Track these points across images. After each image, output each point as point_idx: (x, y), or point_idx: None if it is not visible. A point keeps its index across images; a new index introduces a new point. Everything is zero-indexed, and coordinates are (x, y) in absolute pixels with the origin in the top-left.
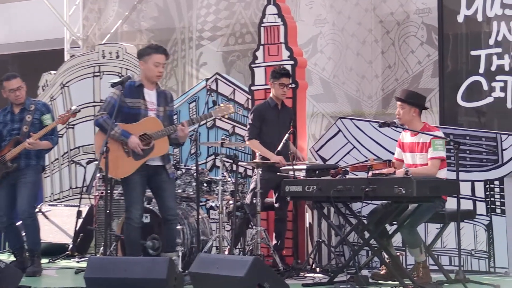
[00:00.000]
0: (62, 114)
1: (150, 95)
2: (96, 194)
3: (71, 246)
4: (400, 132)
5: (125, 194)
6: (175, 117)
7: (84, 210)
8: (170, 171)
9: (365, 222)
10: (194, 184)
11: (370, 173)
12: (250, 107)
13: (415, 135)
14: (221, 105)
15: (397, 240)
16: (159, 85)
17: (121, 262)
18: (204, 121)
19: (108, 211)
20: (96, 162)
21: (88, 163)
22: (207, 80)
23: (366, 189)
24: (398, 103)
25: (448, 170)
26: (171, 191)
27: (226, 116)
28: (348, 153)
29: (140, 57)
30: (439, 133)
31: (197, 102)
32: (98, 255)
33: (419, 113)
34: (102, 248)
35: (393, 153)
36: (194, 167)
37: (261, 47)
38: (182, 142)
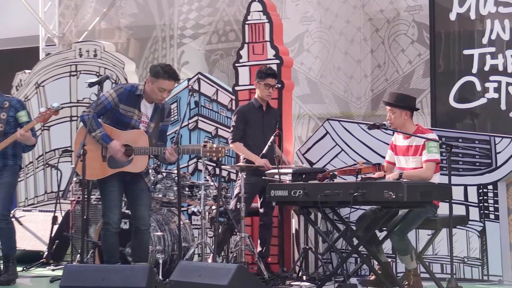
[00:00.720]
0: (43, 112)
1: (147, 108)
2: (73, 198)
3: (46, 253)
4: (391, 134)
5: (102, 198)
6: None
7: (60, 215)
8: (149, 184)
9: (354, 228)
10: (175, 188)
11: (359, 177)
12: (234, 108)
13: (408, 138)
14: (214, 146)
15: (387, 247)
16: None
17: (98, 270)
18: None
19: (85, 217)
20: (73, 166)
21: (63, 152)
22: (189, 80)
23: (355, 194)
24: (388, 107)
25: (440, 174)
26: (147, 201)
27: (214, 159)
28: (336, 156)
29: (150, 72)
30: (433, 136)
31: (179, 103)
32: (74, 263)
33: (410, 115)
34: (78, 255)
35: (383, 156)
36: (175, 171)
37: (246, 45)
38: (169, 162)
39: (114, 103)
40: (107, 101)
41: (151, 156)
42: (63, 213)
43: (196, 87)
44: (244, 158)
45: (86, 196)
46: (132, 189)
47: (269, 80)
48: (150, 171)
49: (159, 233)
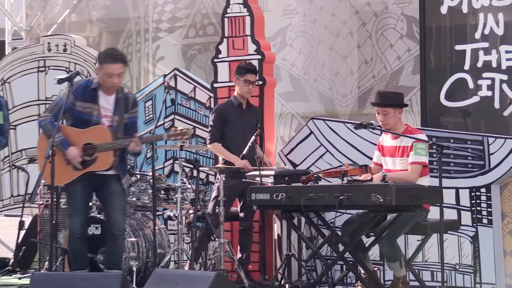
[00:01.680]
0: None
1: (108, 101)
2: (41, 202)
3: (12, 260)
4: (378, 134)
5: (67, 203)
6: None
7: (27, 220)
8: (126, 184)
9: (339, 233)
10: (150, 191)
11: (345, 180)
12: (212, 106)
13: (396, 138)
14: (179, 128)
15: (374, 253)
16: (122, 90)
17: (68, 279)
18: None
19: (53, 222)
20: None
21: (29, 162)
22: (164, 76)
23: (341, 197)
24: (379, 109)
25: (430, 176)
26: (120, 204)
27: (181, 142)
28: (320, 157)
29: (97, 61)
30: (423, 136)
31: (154, 100)
32: (42, 271)
33: (401, 113)
34: (47, 262)
35: (370, 158)
36: (150, 173)
37: (225, 40)
38: (135, 156)
39: (70, 102)
40: (61, 100)
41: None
42: (31, 218)
43: (172, 84)
44: (223, 160)
45: (55, 199)
46: (103, 192)
47: (248, 76)
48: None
49: (132, 239)
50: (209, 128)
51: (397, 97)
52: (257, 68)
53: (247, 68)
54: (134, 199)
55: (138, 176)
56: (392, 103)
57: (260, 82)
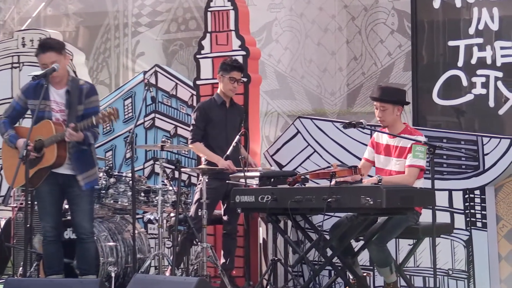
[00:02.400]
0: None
1: (59, 94)
2: (14, 205)
3: None
4: (368, 134)
5: (37, 206)
6: None
7: (0, 223)
8: (84, 182)
9: (327, 237)
10: (129, 193)
11: (333, 181)
12: (194, 104)
13: (393, 136)
14: (107, 109)
15: (364, 258)
16: (75, 81)
17: (43, 285)
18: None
19: (28, 225)
20: None
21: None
22: (145, 73)
23: (329, 200)
24: (378, 103)
25: (423, 178)
26: (84, 206)
27: (107, 123)
28: (308, 158)
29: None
30: (423, 139)
31: (133, 98)
32: (16, 277)
33: (401, 111)
34: (21, 268)
35: (359, 158)
36: (130, 174)
37: (208, 35)
38: (82, 143)
39: (22, 102)
40: (14, 102)
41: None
42: (4, 221)
43: (152, 81)
44: (206, 160)
45: (29, 202)
46: (68, 193)
47: (234, 73)
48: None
49: (111, 243)
50: (191, 127)
51: (398, 93)
52: (243, 65)
53: (233, 65)
54: (112, 201)
55: (117, 178)
56: (391, 99)
57: (245, 80)
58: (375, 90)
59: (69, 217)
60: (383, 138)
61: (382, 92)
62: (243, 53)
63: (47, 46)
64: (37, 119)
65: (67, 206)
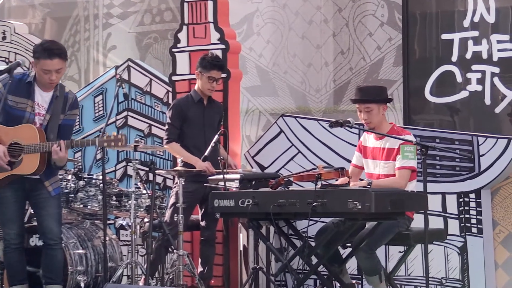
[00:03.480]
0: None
1: (43, 97)
2: None
3: None
4: (356, 133)
5: None
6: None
7: None
8: (52, 187)
9: (313, 244)
10: (100, 197)
11: (318, 184)
12: (170, 101)
13: (380, 138)
14: (113, 134)
15: (351, 266)
16: (62, 88)
17: None
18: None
19: None
20: None
21: None
22: (116, 68)
23: (314, 204)
24: (362, 106)
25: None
26: (53, 210)
27: (114, 148)
28: (291, 159)
29: (33, 54)
30: (411, 138)
31: (105, 95)
32: None
33: (386, 109)
34: None
35: (347, 159)
36: (100, 177)
37: (184, 27)
38: (59, 165)
39: (0, 95)
40: None
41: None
42: None
43: (125, 76)
44: (183, 162)
45: None
46: (34, 197)
47: (214, 72)
48: (58, 171)
49: (80, 251)
50: (166, 127)
51: (380, 91)
52: (224, 64)
53: (213, 63)
54: (82, 206)
55: (87, 180)
56: (375, 98)
57: (224, 75)
58: (355, 92)
59: (34, 223)
60: (369, 141)
61: (364, 93)
62: (222, 46)
63: (56, 52)
64: (15, 118)
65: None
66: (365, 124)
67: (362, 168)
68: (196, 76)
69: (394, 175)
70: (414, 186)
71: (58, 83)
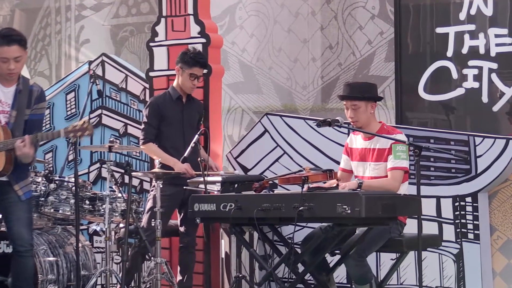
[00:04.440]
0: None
1: (5, 93)
2: None
3: None
4: (345, 133)
5: None
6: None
7: None
8: (22, 192)
9: (299, 251)
10: (72, 201)
11: (305, 187)
12: (147, 99)
13: (369, 138)
14: (79, 123)
15: (340, 274)
16: (26, 81)
17: None
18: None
19: None
20: None
21: None
22: (90, 63)
23: (300, 208)
24: (349, 102)
25: (408, 183)
26: (22, 214)
27: (82, 138)
28: (276, 160)
29: None
30: (402, 137)
31: (77, 92)
32: None
33: (375, 108)
34: None
35: (335, 161)
36: (73, 179)
37: (163, 20)
38: (25, 162)
39: None
40: None
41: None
42: None
43: (99, 72)
44: (160, 163)
45: None
46: (3, 202)
47: (196, 69)
48: (30, 174)
49: (51, 259)
50: (143, 126)
51: (369, 88)
52: (207, 60)
53: (196, 59)
54: (53, 210)
55: (58, 183)
56: (363, 95)
57: (205, 71)
58: (343, 88)
59: (3, 229)
60: (357, 142)
61: (352, 89)
62: (203, 40)
63: (13, 38)
64: None
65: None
66: (351, 123)
67: (351, 171)
68: (176, 72)
69: (385, 177)
70: (406, 188)
71: (21, 76)
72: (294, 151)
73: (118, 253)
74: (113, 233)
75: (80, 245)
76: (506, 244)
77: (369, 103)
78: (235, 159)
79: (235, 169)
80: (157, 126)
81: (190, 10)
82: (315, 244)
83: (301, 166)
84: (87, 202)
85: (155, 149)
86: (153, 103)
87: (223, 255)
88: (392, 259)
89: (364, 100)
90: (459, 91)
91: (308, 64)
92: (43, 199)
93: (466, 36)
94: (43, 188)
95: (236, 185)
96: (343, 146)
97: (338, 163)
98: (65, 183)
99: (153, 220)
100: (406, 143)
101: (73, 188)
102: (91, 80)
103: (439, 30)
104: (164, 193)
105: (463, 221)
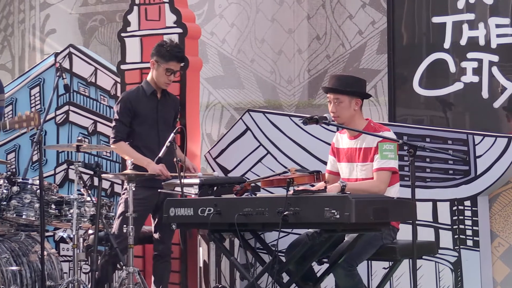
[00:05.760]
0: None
1: None
2: None
3: None
4: (334, 131)
5: None
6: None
7: None
8: None
9: (283, 259)
10: (37, 205)
11: (290, 190)
12: (118, 94)
13: (355, 137)
14: (26, 113)
15: (328, 284)
16: None
17: None
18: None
19: None
20: None
21: None
22: (56, 55)
23: (285, 213)
24: (332, 95)
25: (400, 185)
26: None
27: (30, 129)
28: (259, 161)
29: None
30: (390, 134)
31: (42, 86)
32: None
33: (361, 105)
34: None
35: (323, 162)
36: (37, 181)
37: (135, 8)
38: None
39: None
40: None
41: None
42: None
43: (66, 65)
44: (133, 164)
45: None
46: None
47: (173, 64)
48: None
49: (14, 268)
50: (114, 123)
51: (355, 83)
52: (184, 53)
53: (173, 53)
54: (15, 215)
55: (22, 186)
56: (346, 89)
57: (182, 64)
58: (328, 80)
59: None
60: (343, 142)
61: (336, 82)
62: (179, 30)
63: None
64: None
65: None
66: (332, 118)
67: (339, 174)
68: (150, 66)
69: (371, 179)
70: (396, 191)
71: None
72: (278, 151)
73: (87, 262)
74: (81, 240)
75: (45, 253)
76: (508, 251)
77: (353, 99)
78: (214, 160)
79: (214, 171)
80: (129, 124)
81: None
82: (301, 252)
83: (286, 167)
84: (53, 206)
85: (127, 149)
86: (125, 98)
87: (201, 264)
88: (384, 268)
89: (347, 95)
90: (457, 86)
91: (294, 56)
92: (5, 203)
93: (465, 26)
94: (5, 191)
95: (215, 188)
96: (330, 147)
97: (326, 163)
98: (29, 186)
99: (125, 226)
100: (395, 141)
101: (38, 191)
102: (58, 74)
103: (436, 19)
104: (136, 197)
105: (461, 226)
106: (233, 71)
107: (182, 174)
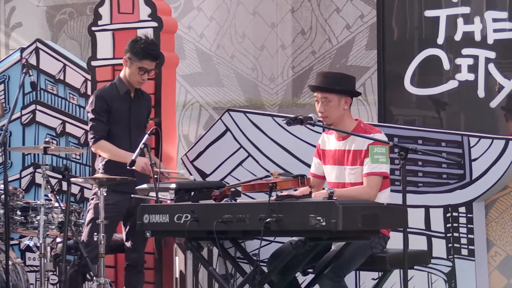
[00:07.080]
0: None
1: None
2: None
3: None
4: (319, 132)
5: None
6: None
7: None
8: None
9: (266, 269)
10: (1, 211)
11: (273, 195)
12: (89, 92)
13: (343, 138)
14: None
15: None
16: None
17: None
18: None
19: None
20: None
21: None
22: (22, 50)
23: (267, 220)
24: (320, 94)
25: (391, 190)
26: None
27: None
28: (240, 164)
29: None
30: (382, 136)
31: (7, 84)
32: None
33: (350, 104)
34: None
35: (308, 165)
36: (1, 186)
37: (107, 0)
38: None
39: None
40: None
41: None
42: None
43: (33, 61)
44: (103, 167)
45: None
46: None
47: (147, 63)
48: None
49: None
50: (91, 123)
51: (344, 81)
52: (159, 51)
53: (148, 51)
54: None
55: None
56: (336, 87)
57: (156, 62)
58: (315, 78)
59: None
60: (330, 143)
61: (324, 79)
62: (154, 24)
63: None
64: None
65: None
66: (320, 118)
67: (324, 177)
68: (123, 63)
69: (360, 184)
70: (387, 196)
71: None
72: (260, 154)
73: (55, 273)
74: (48, 248)
75: (10, 262)
76: (505, 261)
77: (342, 98)
78: (191, 163)
79: (191, 174)
80: (107, 121)
81: None
82: (284, 262)
83: (268, 171)
84: (19, 212)
85: (109, 147)
86: (100, 96)
87: (177, 275)
88: (373, 279)
89: (337, 94)
90: (452, 84)
91: (277, 52)
92: None
93: (460, 20)
94: None
95: (192, 193)
96: (315, 149)
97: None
98: None
99: (95, 233)
100: (387, 144)
101: (2, 196)
102: (24, 71)
103: (429, 13)
104: (107, 202)
105: (455, 234)
106: (212, 68)
107: (156, 176)
